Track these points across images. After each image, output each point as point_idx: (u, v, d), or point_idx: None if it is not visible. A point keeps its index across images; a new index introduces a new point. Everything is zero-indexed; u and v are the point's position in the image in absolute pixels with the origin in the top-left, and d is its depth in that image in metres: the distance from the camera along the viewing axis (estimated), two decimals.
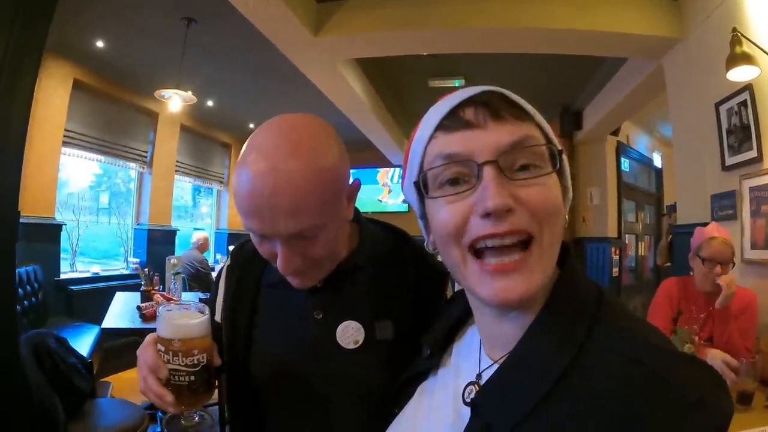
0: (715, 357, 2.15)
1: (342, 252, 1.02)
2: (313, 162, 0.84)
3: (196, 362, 0.86)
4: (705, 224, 2.65)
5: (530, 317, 0.64)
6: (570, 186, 0.69)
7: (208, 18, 4.62)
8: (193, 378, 0.86)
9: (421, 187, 0.67)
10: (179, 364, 0.85)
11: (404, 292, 1.03)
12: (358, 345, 0.98)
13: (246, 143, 0.89)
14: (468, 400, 0.68)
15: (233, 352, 1.04)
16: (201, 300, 4.22)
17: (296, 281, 0.96)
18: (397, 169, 10.30)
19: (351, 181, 0.96)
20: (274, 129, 0.88)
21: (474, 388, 0.69)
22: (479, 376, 0.70)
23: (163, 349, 0.86)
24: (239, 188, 0.86)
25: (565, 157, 0.67)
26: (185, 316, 0.89)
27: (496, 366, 0.67)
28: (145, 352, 0.87)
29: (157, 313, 0.90)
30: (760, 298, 2.60)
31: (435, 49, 4.88)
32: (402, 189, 0.74)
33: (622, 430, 0.50)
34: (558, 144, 0.67)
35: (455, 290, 0.93)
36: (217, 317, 1.11)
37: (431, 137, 0.67)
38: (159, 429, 3.65)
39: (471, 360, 0.73)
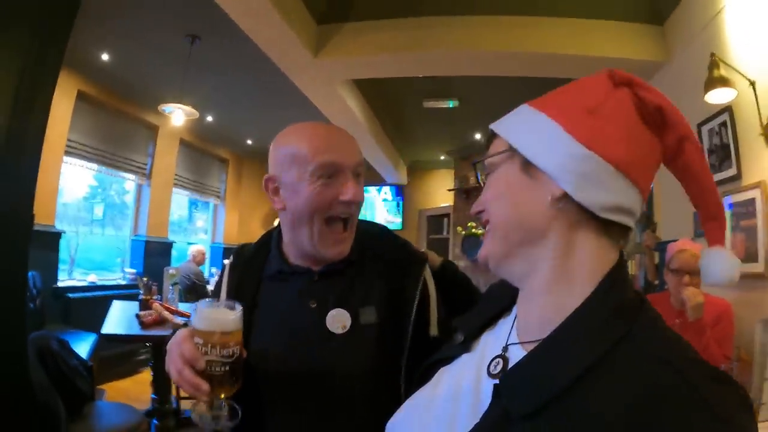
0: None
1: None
2: None
3: (231, 353, 0.93)
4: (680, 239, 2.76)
5: (564, 303, 0.65)
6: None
7: (212, 36, 4.75)
8: (227, 368, 0.93)
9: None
10: (216, 356, 0.92)
11: (385, 279, 1.17)
12: (345, 330, 1.10)
13: (279, 135, 1.16)
14: (494, 372, 0.70)
15: None
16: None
17: (338, 248, 1.14)
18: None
19: None
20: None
21: (500, 361, 0.71)
22: (506, 348, 0.72)
23: (201, 341, 0.93)
24: (307, 134, 1.11)
25: None
26: (222, 312, 0.96)
27: (521, 346, 0.70)
28: (181, 345, 0.93)
29: (194, 309, 0.97)
30: (743, 309, 2.69)
31: (431, 72, 5.02)
32: None
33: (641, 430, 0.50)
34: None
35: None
36: None
37: None
38: None
39: (499, 342, 0.75)
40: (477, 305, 0.90)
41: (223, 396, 0.95)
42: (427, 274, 1.19)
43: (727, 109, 3.08)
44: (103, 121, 6.29)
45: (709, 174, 0.71)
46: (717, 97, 2.93)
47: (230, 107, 7.06)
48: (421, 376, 0.84)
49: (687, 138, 0.69)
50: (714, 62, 2.85)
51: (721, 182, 3.17)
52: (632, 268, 8.32)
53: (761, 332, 2.02)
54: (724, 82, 2.82)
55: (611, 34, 4.22)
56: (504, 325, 0.78)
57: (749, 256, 2.85)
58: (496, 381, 0.65)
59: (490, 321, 0.82)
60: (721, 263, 0.71)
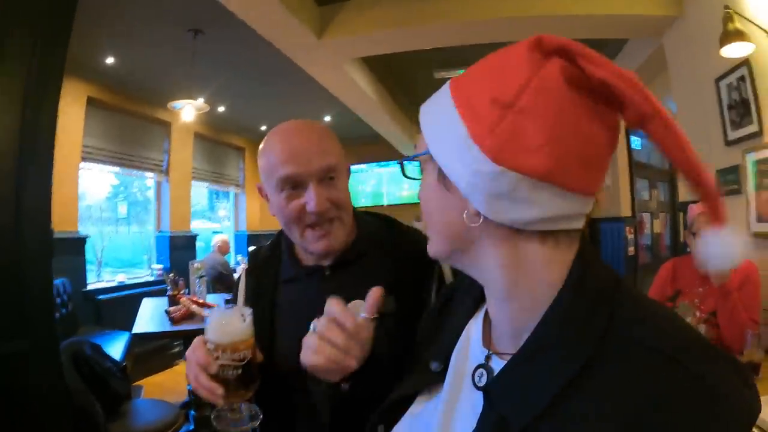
0: None
1: (348, 238, 1.18)
2: (324, 126, 1.17)
3: (242, 357, 0.95)
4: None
5: (534, 306, 0.61)
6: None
7: (214, 27, 4.73)
8: (240, 371, 0.95)
9: None
10: (228, 360, 0.94)
11: (400, 269, 1.15)
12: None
13: (265, 138, 1.15)
14: (479, 385, 0.66)
15: (259, 346, 1.15)
16: (225, 300, 4.35)
17: (323, 242, 1.12)
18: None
19: None
20: (285, 122, 1.16)
21: (483, 372, 0.67)
22: (488, 357, 0.68)
23: (213, 347, 0.95)
24: (273, 145, 1.11)
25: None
26: (231, 321, 0.98)
27: (500, 356, 0.66)
28: (195, 352, 0.96)
29: (206, 319, 0.99)
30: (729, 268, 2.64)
31: (438, 43, 4.92)
32: None
33: (648, 423, 0.48)
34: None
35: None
36: None
37: None
38: (192, 427, 3.78)
39: (471, 352, 0.72)
40: (440, 324, 0.85)
41: (240, 399, 0.97)
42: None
43: (745, 62, 2.97)
44: (116, 123, 6.36)
45: (686, 152, 0.56)
46: (733, 51, 2.82)
47: (240, 96, 7.06)
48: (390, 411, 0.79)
49: (648, 117, 0.55)
50: (728, 15, 2.74)
51: (742, 139, 3.09)
52: (657, 227, 8.23)
53: None
54: (739, 35, 2.72)
55: None
56: (471, 334, 0.75)
57: None
58: (485, 386, 0.63)
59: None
60: (714, 249, 0.63)
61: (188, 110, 5.42)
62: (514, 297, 0.63)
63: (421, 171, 0.70)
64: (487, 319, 0.73)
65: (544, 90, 0.55)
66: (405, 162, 0.73)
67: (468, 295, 0.80)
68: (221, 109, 7.49)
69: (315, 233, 1.11)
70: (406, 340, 0.98)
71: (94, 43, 4.86)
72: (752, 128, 2.98)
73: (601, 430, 0.50)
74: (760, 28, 2.74)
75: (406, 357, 0.95)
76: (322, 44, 4.58)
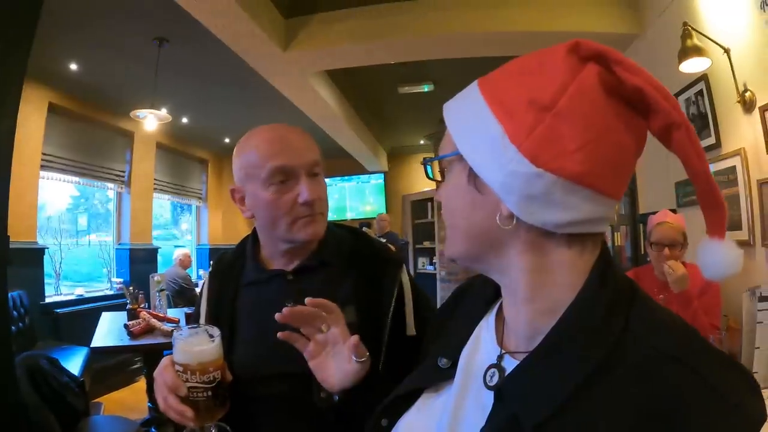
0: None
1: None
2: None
3: (211, 379, 0.94)
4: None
5: (553, 308, 0.61)
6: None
7: (180, 37, 4.69)
8: (209, 393, 0.94)
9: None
10: (197, 382, 0.93)
11: (362, 280, 1.17)
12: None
13: (237, 145, 1.17)
14: (491, 384, 0.65)
15: None
16: (186, 314, 4.27)
17: (311, 228, 1.14)
18: None
19: None
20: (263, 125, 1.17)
21: (495, 371, 0.66)
22: (501, 357, 0.67)
23: (181, 369, 0.94)
24: (258, 142, 1.12)
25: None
26: (200, 342, 0.97)
27: (513, 355, 0.66)
28: (163, 373, 0.95)
29: (173, 340, 0.97)
30: (730, 278, 2.71)
31: (403, 57, 4.99)
32: None
33: (660, 428, 0.49)
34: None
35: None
36: (202, 320, 1.23)
37: None
38: None
39: (483, 353, 0.71)
40: (449, 322, 0.85)
41: (210, 420, 0.96)
42: (404, 274, 1.21)
43: (703, 77, 3.09)
44: (77, 131, 6.23)
45: (704, 163, 0.59)
46: (691, 66, 2.92)
47: (205, 107, 7.00)
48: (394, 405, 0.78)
49: (675, 125, 0.57)
50: (687, 32, 2.83)
51: None
52: (618, 239, 8.39)
53: (748, 301, 2.03)
54: (697, 51, 2.81)
55: (583, 8, 4.19)
56: (482, 334, 0.74)
57: (733, 225, 2.87)
58: (496, 385, 0.63)
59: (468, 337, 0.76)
60: (720, 256, 0.63)
61: (151, 120, 5.34)
62: (535, 299, 0.63)
63: (443, 172, 0.69)
64: (500, 318, 0.73)
65: (581, 94, 0.56)
66: (428, 162, 0.73)
67: (479, 296, 0.80)
68: (185, 120, 7.40)
69: (304, 220, 1.12)
70: (366, 350, 0.99)
71: (57, 48, 4.77)
72: (710, 141, 3.08)
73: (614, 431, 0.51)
74: (717, 44, 2.84)
75: (372, 367, 0.96)
76: (287, 56, 4.60)
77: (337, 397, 0.95)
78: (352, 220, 10.33)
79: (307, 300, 0.93)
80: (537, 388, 0.57)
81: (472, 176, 0.63)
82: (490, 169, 0.60)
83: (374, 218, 9.05)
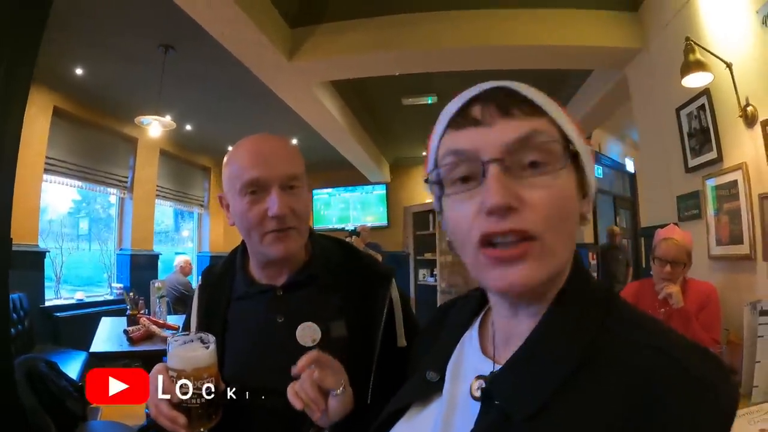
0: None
1: (301, 255, 1.20)
2: (287, 140, 1.15)
3: (206, 385, 0.94)
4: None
5: (539, 311, 0.64)
6: (592, 181, 0.67)
7: (186, 45, 4.71)
8: (203, 400, 0.94)
9: (435, 184, 0.68)
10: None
11: (354, 295, 1.18)
12: (315, 343, 1.10)
13: (232, 149, 1.17)
14: (477, 395, 0.66)
15: None
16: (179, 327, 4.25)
17: (281, 245, 1.11)
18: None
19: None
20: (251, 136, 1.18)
21: (482, 383, 0.66)
22: (493, 373, 0.66)
23: (175, 375, 0.94)
24: (240, 153, 1.13)
25: (586, 151, 0.66)
26: (194, 348, 0.98)
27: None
28: (156, 379, 0.94)
29: (168, 346, 0.97)
30: (731, 292, 2.71)
31: (407, 69, 5.01)
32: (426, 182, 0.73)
33: (642, 414, 0.51)
34: (577, 138, 0.65)
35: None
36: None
37: (443, 134, 0.69)
38: None
39: (468, 366, 0.72)
40: (436, 336, 0.84)
41: (202, 428, 0.96)
42: (393, 288, 1.21)
43: (705, 92, 3.10)
44: (81, 136, 6.23)
45: None
46: (694, 81, 2.93)
47: (209, 115, 7.01)
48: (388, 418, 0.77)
49: None
50: (689, 47, 2.85)
51: (702, 165, 3.20)
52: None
53: (749, 315, 2.02)
54: (700, 66, 2.82)
55: (586, 23, 4.22)
56: (465, 346, 0.75)
57: (734, 239, 2.87)
58: (483, 391, 0.64)
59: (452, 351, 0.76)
60: None
61: (155, 127, 5.36)
62: (540, 305, 0.65)
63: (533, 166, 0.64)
64: (484, 328, 0.75)
65: None
66: None
67: (465, 308, 0.81)
68: (188, 127, 7.42)
69: (274, 236, 1.11)
70: (357, 364, 0.99)
71: (63, 53, 4.79)
72: (711, 155, 3.09)
73: (601, 419, 0.53)
74: (720, 58, 2.85)
75: (362, 382, 0.98)
76: (292, 66, 4.62)
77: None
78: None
79: (294, 371, 0.92)
80: (524, 383, 0.59)
81: (581, 181, 0.66)
82: (591, 178, 0.67)
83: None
